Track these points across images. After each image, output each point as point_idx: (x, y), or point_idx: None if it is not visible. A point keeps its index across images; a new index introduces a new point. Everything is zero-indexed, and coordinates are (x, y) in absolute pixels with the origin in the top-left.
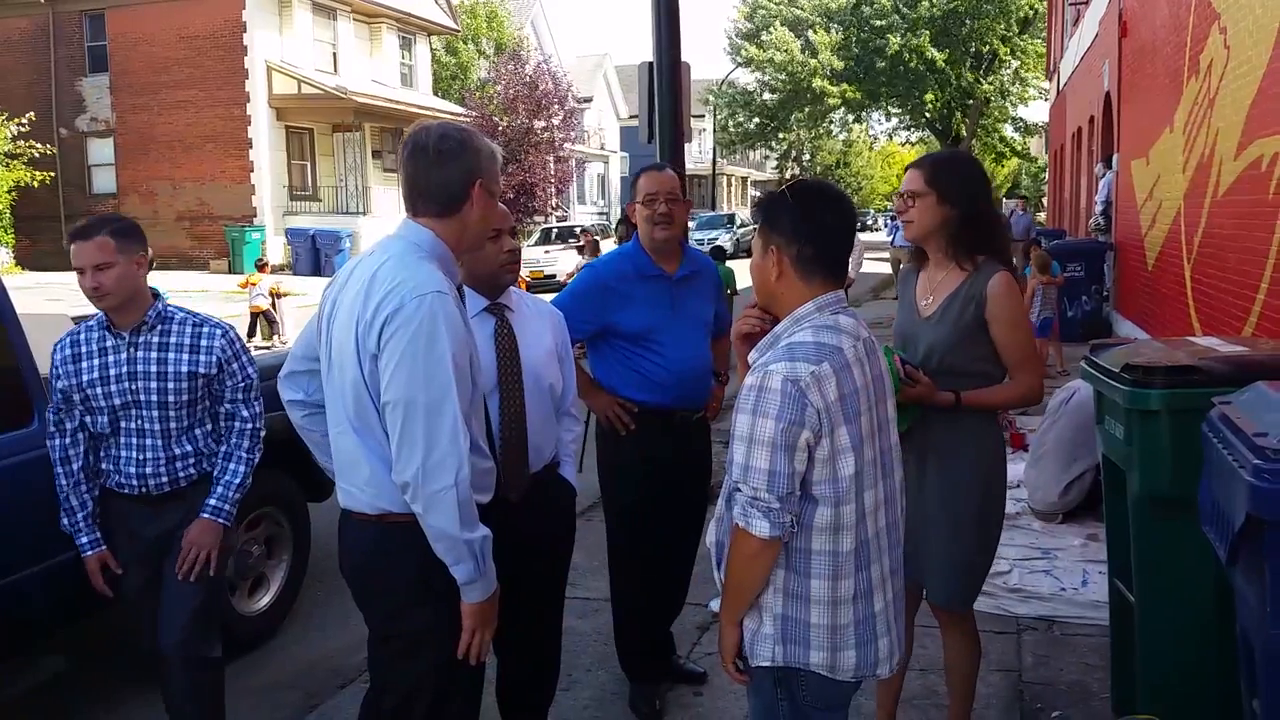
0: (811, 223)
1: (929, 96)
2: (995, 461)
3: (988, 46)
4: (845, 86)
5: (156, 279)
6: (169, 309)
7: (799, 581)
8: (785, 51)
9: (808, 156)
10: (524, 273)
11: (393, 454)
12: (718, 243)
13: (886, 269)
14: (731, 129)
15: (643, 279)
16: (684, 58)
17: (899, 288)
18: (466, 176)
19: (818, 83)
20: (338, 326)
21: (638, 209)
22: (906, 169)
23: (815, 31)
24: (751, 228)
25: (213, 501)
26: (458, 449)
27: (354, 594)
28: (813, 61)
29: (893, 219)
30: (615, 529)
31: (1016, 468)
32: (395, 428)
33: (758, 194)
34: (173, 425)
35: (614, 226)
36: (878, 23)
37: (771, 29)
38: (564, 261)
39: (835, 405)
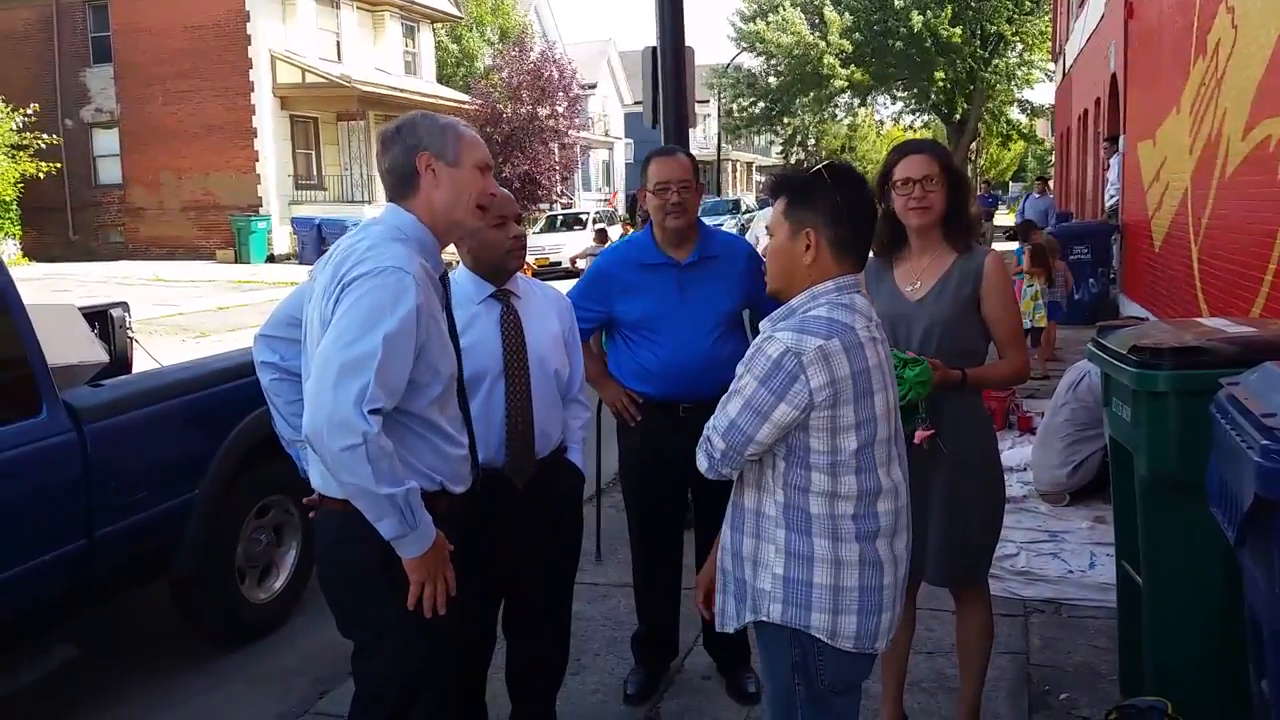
0: (851, 205)
1: (938, 74)
2: (991, 437)
3: (994, 28)
4: (854, 69)
5: (163, 269)
6: None
7: (800, 540)
8: (793, 33)
9: (813, 141)
10: (530, 259)
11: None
12: (723, 229)
13: None
14: (736, 114)
15: (647, 267)
16: (688, 42)
17: (869, 280)
18: (408, 154)
19: (828, 59)
20: (312, 305)
21: (649, 197)
22: (905, 155)
23: (826, 7)
24: (753, 213)
25: None
26: (362, 416)
27: (319, 581)
28: (821, 43)
29: None
30: (629, 516)
31: (1024, 450)
32: (311, 377)
33: (762, 179)
34: None
35: (623, 213)
36: (899, 3)
37: (781, 9)
38: (570, 247)
39: (843, 381)
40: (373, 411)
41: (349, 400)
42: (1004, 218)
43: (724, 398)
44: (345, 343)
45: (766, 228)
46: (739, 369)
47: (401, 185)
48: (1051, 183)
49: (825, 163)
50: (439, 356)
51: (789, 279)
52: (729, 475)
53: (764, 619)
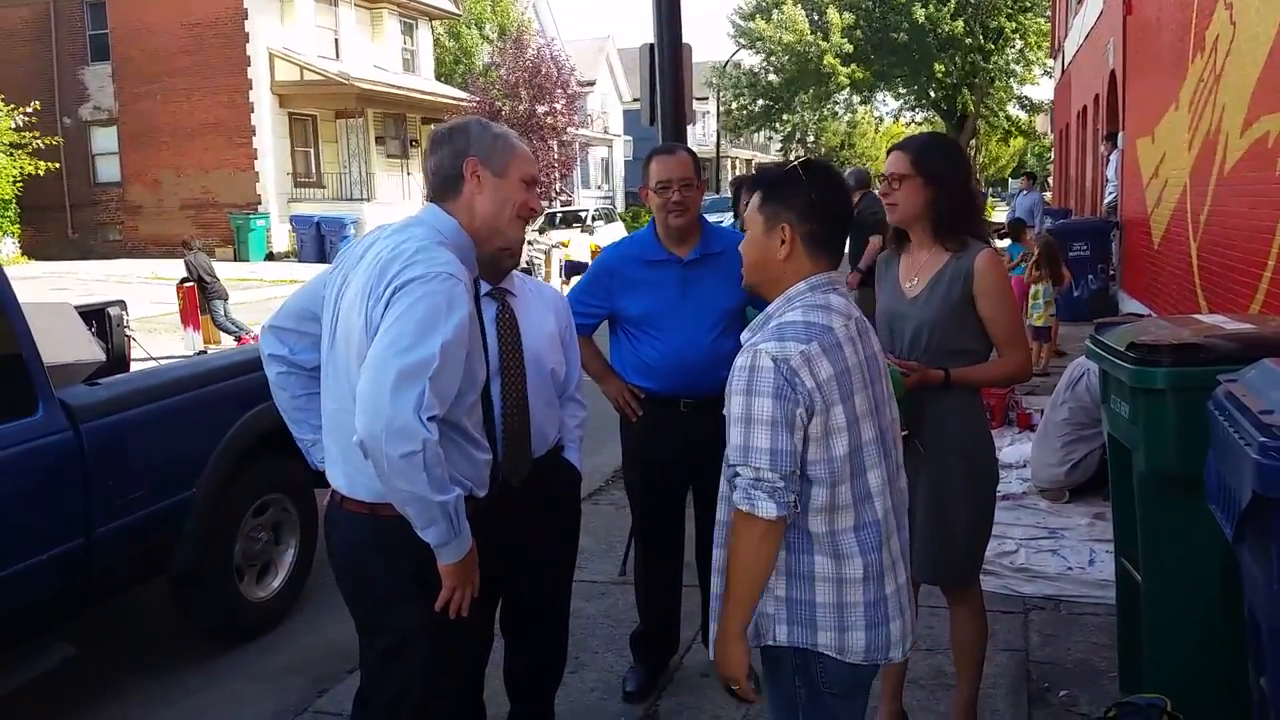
0: (825, 201)
1: (938, 67)
2: (982, 436)
3: (994, 22)
4: (855, 67)
5: (162, 267)
6: None
7: (801, 560)
8: (795, 31)
9: (812, 138)
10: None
11: (356, 407)
12: (722, 225)
13: None
14: (736, 111)
15: (650, 264)
16: (686, 39)
17: (879, 273)
18: (455, 158)
19: (829, 60)
20: (346, 303)
21: (650, 195)
22: (890, 151)
23: (829, 8)
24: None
25: None
26: (422, 423)
27: (341, 586)
28: (823, 44)
29: None
30: (632, 511)
31: (1023, 448)
32: (365, 381)
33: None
34: None
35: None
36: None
37: (783, 8)
38: (570, 245)
39: (827, 383)
40: (430, 418)
41: (409, 407)
42: (997, 214)
43: (741, 436)
44: (402, 348)
45: (743, 220)
46: (737, 396)
47: (445, 187)
48: (1051, 179)
49: (801, 159)
50: (477, 364)
51: (763, 272)
52: (797, 507)
53: (769, 643)
